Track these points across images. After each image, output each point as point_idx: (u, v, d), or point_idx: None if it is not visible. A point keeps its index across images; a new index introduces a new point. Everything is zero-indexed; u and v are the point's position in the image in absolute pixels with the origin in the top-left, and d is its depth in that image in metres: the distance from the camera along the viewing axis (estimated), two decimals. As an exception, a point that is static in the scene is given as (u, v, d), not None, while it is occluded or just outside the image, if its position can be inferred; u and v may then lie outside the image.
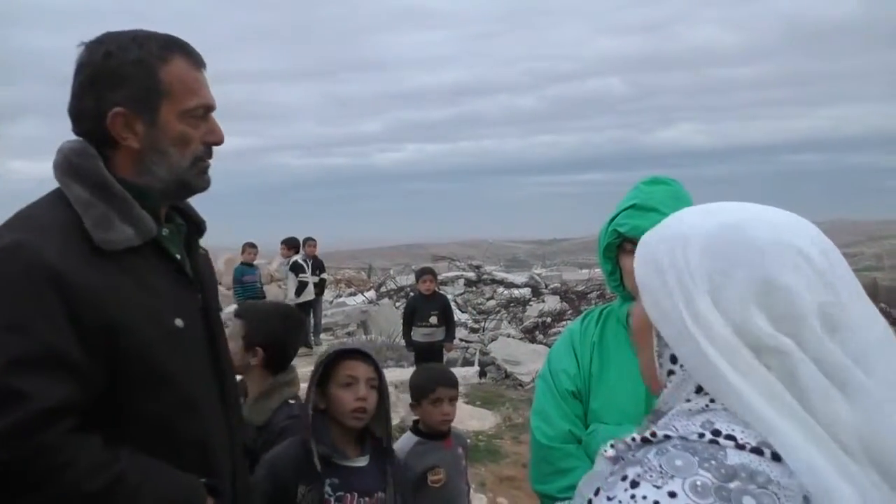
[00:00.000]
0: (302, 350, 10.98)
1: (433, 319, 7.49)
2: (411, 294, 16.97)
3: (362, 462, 2.19)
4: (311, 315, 11.37)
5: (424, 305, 7.63)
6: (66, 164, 1.43)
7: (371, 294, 17.51)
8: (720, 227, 0.90)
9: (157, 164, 1.45)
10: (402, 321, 8.07)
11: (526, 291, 18.77)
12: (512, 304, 17.93)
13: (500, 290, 18.97)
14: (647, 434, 0.87)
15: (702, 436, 0.83)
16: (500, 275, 20.99)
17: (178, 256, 1.54)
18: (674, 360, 0.91)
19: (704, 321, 0.85)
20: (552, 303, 17.85)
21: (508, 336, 14.69)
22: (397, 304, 16.52)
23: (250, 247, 11.11)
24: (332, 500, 2.09)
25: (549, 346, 14.55)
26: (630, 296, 1.80)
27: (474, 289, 19.13)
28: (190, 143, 1.47)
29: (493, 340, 13.33)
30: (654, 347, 0.95)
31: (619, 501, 0.80)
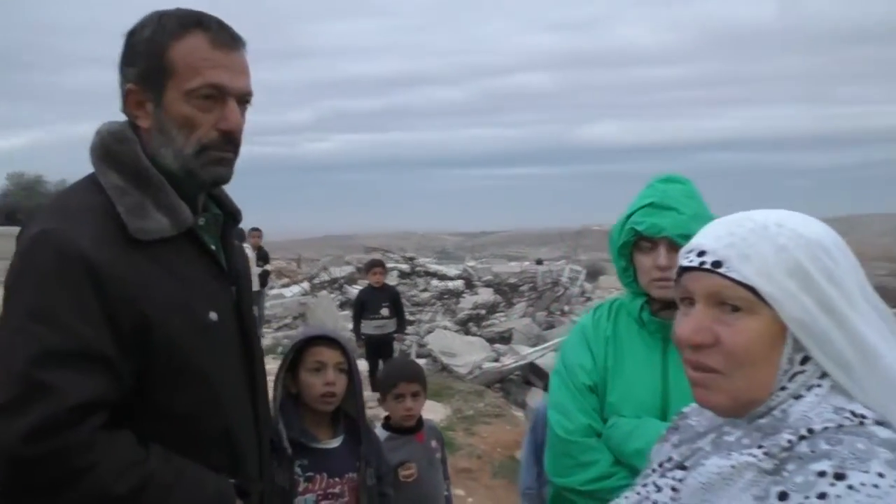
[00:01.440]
0: None
1: (384, 311, 7.50)
2: (345, 285, 16.86)
3: (334, 444, 2.22)
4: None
5: (375, 298, 7.59)
6: (103, 150, 1.38)
7: (305, 285, 17.29)
8: (825, 228, 0.97)
9: (164, 148, 1.38)
10: (343, 314, 8.00)
11: (459, 284, 18.91)
12: (446, 297, 18.04)
13: (434, 282, 19.04)
14: (804, 431, 0.88)
15: (849, 419, 0.88)
16: (434, 267, 21.07)
17: (213, 247, 1.47)
18: (804, 361, 0.92)
19: (858, 305, 0.92)
20: (485, 295, 18.05)
21: (444, 328, 14.77)
22: (332, 295, 16.36)
23: None
24: (302, 480, 2.12)
25: (483, 337, 14.71)
26: (642, 292, 1.82)
27: (408, 281, 19.15)
28: (196, 128, 1.37)
29: (429, 332, 13.37)
30: (784, 356, 0.92)
31: (838, 496, 0.80)
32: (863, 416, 0.89)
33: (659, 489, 1.00)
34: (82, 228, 1.27)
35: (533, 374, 11.56)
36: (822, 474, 0.83)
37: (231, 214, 1.54)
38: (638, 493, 1.05)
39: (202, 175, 1.40)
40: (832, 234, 0.96)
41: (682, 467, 1.00)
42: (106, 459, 1.22)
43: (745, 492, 0.87)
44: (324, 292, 16.14)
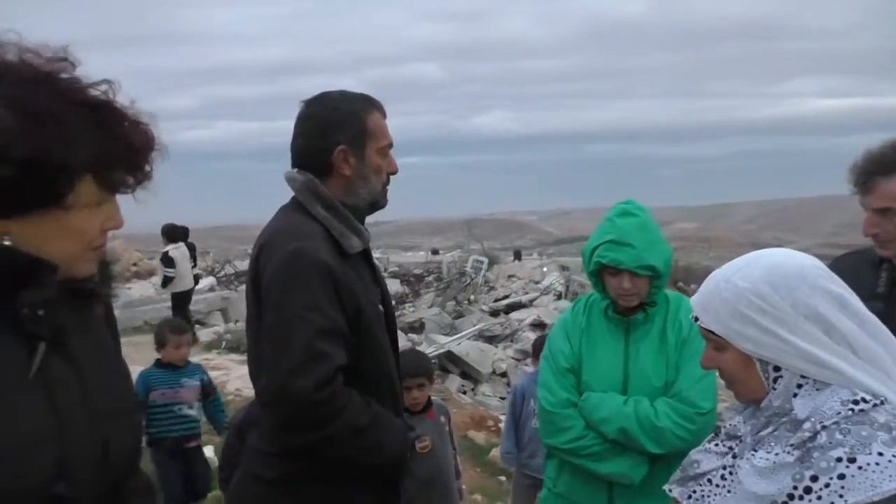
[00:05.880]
0: None
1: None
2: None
3: None
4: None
5: None
6: (309, 191, 1.89)
7: (210, 280, 17.01)
8: (768, 271, 1.24)
9: (361, 188, 1.93)
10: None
11: (366, 275, 19.06)
12: (354, 288, 18.18)
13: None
14: (819, 426, 1.17)
15: (852, 410, 1.16)
16: (339, 259, 21.09)
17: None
18: (776, 369, 1.24)
19: (798, 329, 1.21)
20: (393, 286, 18.40)
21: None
22: (238, 289, 16.19)
23: None
24: None
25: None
26: (608, 295, 2.35)
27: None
28: (381, 172, 1.95)
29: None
30: (758, 372, 1.25)
31: (852, 476, 1.09)
32: (863, 401, 1.17)
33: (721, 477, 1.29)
34: (321, 246, 1.79)
35: (449, 362, 12.10)
36: (839, 459, 1.12)
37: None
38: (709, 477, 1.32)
39: (382, 202, 2.00)
40: (775, 276, 1.23)
41: (734, 455, 1.30)
42: (352, 403, 1.75)
43: (786, 476, 1.16)
44: (243, 287, 15.94)
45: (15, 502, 1.01)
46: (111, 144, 1.06)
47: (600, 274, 2.32)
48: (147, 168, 1.14)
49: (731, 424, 1.37)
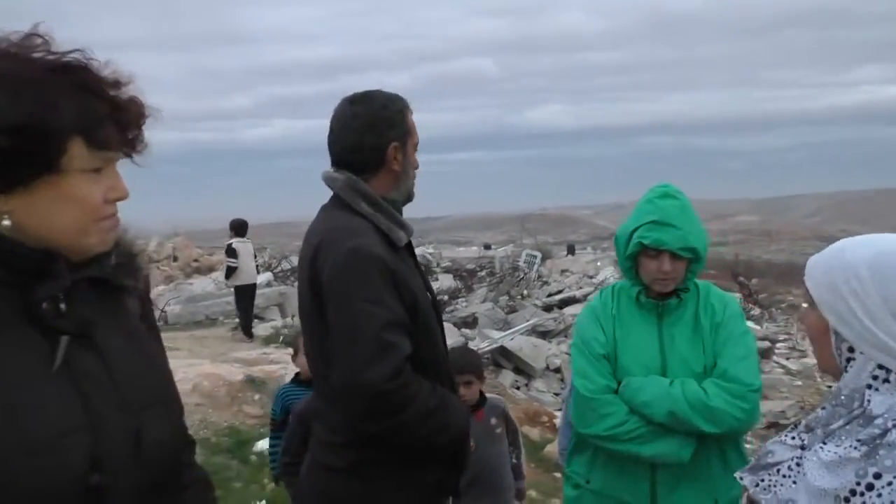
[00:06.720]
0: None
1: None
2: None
3: None
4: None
5: None
6: (351, 189, 1.97)
7: (267, 275, 17.34)
8: (876, 256, 1.22)
9: (404, 183, 2.05)
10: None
11: (419, 270, 19.17)
12: (407, 283, 18.31)
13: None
14: (891, 424, 1.15)
15: None
16: (392, 254, 21.24)
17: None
18: (851, 350, 1.23)
19: (882, 322, 1.19)
20: (446, 281, 18.45)
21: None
22: (295, 284, 16.45)
23: None
24: None
25: (449, 323, 15.14)
26: (640, 282, 2.32)
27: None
28: (416, 167, 2.08)
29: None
30: (832, 344, 1.26)
31: None
32: None
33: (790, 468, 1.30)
34: (373, 242, 1.87)
35: (502, 357, 12.09)
36: None
37: None
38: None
39: (413, 195, 2.12)
40: (880, 264, 1.21)
41: (802, 447, 1.30)
42: (421, 389, 1.85)
43: (850, 471, 1.15)
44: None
45: (53, 496, 1.01)
46: (92, 103, 1.06)
47: (635, 258, 2.30)
48: (134, 127, 1.13)
49: (812, 416, 1.35)
